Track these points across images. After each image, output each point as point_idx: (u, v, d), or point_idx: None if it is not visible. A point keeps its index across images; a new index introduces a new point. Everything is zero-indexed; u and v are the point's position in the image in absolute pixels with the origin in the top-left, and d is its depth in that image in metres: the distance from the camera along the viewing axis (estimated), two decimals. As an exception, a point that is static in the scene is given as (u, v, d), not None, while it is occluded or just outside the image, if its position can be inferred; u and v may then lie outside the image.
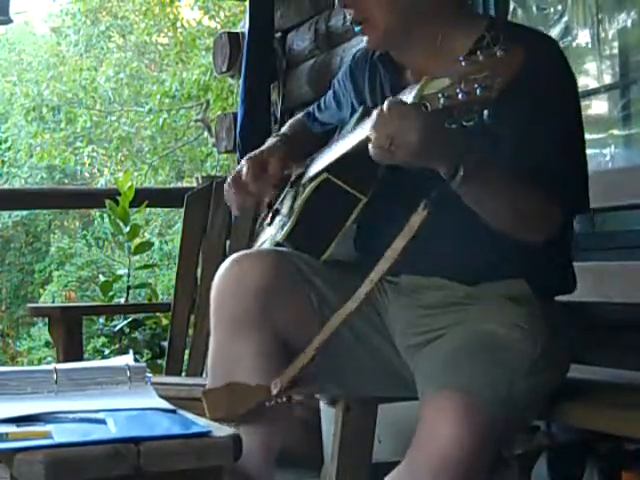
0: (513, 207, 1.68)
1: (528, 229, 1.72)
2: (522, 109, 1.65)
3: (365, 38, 1.88)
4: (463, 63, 1.46)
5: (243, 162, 2.03)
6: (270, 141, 2.08)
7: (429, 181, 1.62)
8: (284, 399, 1.77)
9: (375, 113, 1.57)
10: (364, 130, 1.64)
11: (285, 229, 1.89)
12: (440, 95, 1.47)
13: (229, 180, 2.04)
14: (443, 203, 1.62)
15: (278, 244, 1.91)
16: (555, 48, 1.84)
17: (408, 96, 1.54)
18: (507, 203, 1.68)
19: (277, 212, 2.00)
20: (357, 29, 1.87)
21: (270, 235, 2.00)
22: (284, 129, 2.22)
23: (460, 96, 1.45)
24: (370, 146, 1.56)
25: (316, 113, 2.19)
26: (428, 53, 1.84)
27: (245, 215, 3.01)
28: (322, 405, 2.92)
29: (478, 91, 1.44)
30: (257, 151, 2.05)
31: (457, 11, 1.87)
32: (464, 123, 1.51)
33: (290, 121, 2.26)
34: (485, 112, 1.49)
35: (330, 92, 2.15)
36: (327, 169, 1.87)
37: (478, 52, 1.46)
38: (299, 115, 2.26)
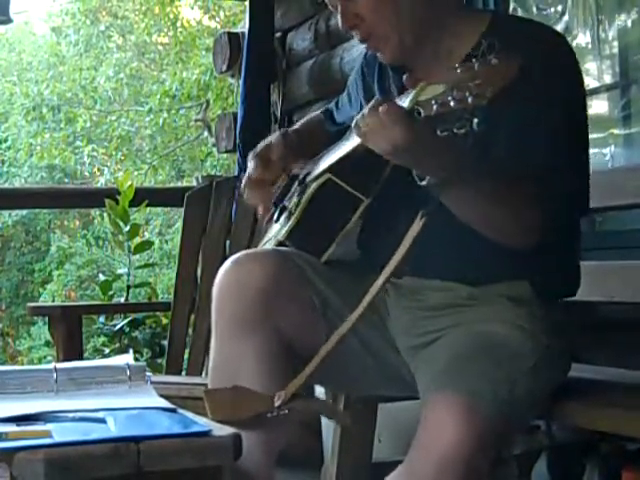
0: (495, 214, 1.67)
1: (510, 235, 1.71)
2: (519, 108, 1.63)
3: (379, 54, 1.87)
4: (458, 70, 1.45)
5: (249, 160, 2.04)
6: (273, 137, 2.07)
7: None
8: (286, 411, 1.76)
9: (367, 112, 1.55)
10: None
11: (286, 228, 1.90)
12: (433, 102, 1.46)
13: (243, 184, 2.05)
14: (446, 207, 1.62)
15: (280, 243, 1.91)
16: (560, 42, 1.82)
17: (405, 100, 1.53)
18: (487, 209, 1.66)
19: (284, 209, 2.00)
20: (366, 45, 1.87)
21: (275, 232, 2.00)
22: (298, 124, 2.22)
23: (452, 103, 1.44)
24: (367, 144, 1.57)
25: (334, 111, 2.19)
26: (433, 54, 1.83)
27: (245, 215, 3.02)
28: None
29: (470, 99, 1.43)
30: (260, 147, 2.05)
31: (459, 10, 1.86)
32: (455, 130, 1.49)
33: (308, 116, 2.26)
34: (475, 120, 1.48)
35: (346, 91, 2.14)
36: (330, 169, 1.87)
37: (474, 59, 1.45)
38: (318, 111, 2.25)
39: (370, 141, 1.56)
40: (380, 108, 1.52)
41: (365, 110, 1.55)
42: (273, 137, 2.06)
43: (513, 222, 1.69)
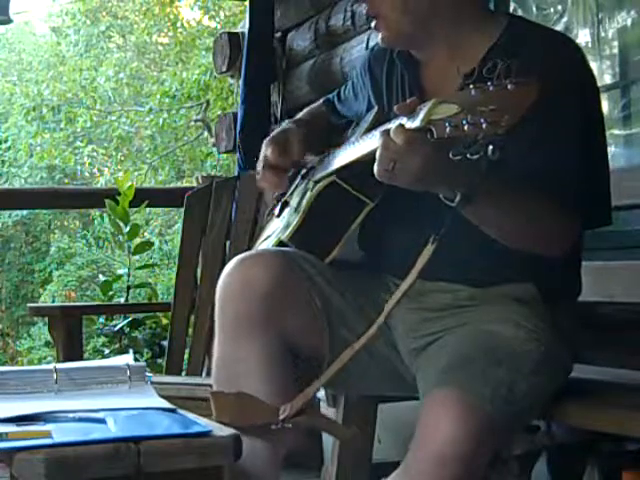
0: (525, 226, 1.68)
1: (543, 245, 1.72)
2: (536, 121, 1.53)
3: (379, 35, 1.88)
4: (473, 91, 1.41)
5: (264, 145, 2.02)
6: (285, 124, 2.06)
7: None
8: (289, 425, 1.75)
9: (380, 134, 1.55)
10: (374, 141, 1.63)
11: (290, 229, 1.89)
12: (446, 123, 1.42)
13: (259, 167, 2.02)
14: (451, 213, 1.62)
15: (282, 243, 1.91)
16: (574, 50, 1.81)
17: (416, 119, 1.50)
18: (517, 223, 1.67)
19: (286, 204, 1.99)
20: (372, 24, 1.87)
21: (276, 229, 1.99)
22: (301, 114, 2.21)
23: (466, 127, 1.40)
24: (375, 165, 1.56)
25: (336, 103, 2.18)
26: (446, 53, 1.83)
27: (245, 216, 3.01)
28: (322, 405, 2.92)
29: (484, 125, 1.39)
30: (276, 132, 2.03)
31: (476, 11, 1.86)
32: (469, 156, 1.45)
33: (308, 107, 2.24)
34: (490, 147, 1.45)
35: (349, 83, 2.14)
36: (335, 172, 1.86)
37: (489, 82, 1.41)
38: (319, 101, 2.24)
39: (392, 182, 1.57)
40: (390, 130, 1.52)
41: (378, 153, 1.54)
42: (286, 124, 2.05)
43: (548, 234, 1.71)
